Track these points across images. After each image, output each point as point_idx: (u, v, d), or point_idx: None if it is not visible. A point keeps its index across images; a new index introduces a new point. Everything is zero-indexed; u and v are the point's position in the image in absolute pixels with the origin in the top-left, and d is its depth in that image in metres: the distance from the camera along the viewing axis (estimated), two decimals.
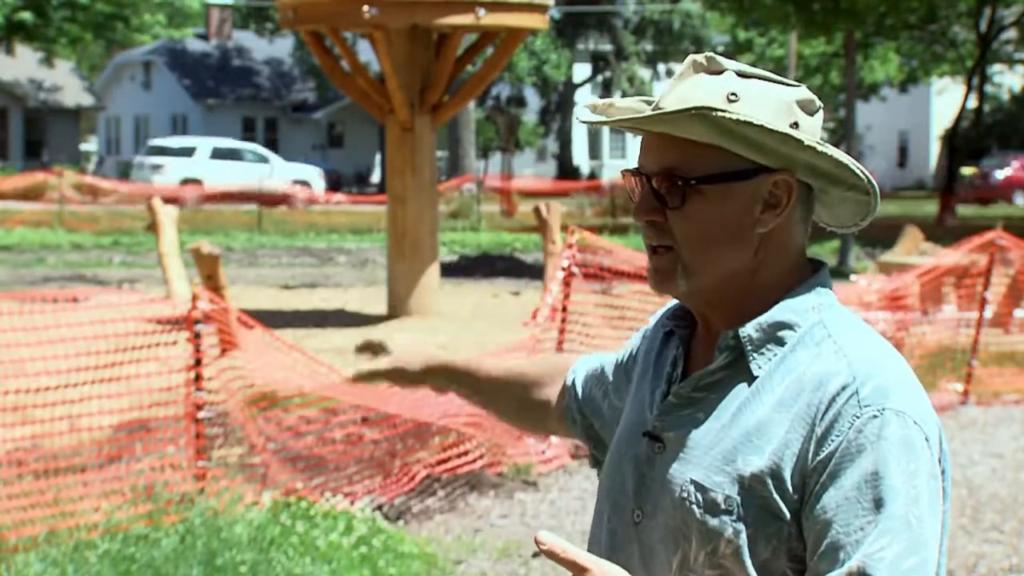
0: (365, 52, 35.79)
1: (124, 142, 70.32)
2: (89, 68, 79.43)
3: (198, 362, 8.35)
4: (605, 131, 70.06)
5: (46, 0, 46.53)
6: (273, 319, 14.83)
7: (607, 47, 63.95)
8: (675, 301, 2.28)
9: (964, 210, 43.65)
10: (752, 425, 2.10)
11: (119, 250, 31.10)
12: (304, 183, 46.41)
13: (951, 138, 42.48)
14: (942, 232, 28.75)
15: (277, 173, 46.32)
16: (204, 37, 69.18)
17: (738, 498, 2.08)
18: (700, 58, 2.16)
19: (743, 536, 2.08)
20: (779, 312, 2.14)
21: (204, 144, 49.13)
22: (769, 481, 2.08)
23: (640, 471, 2.19)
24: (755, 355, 2.13)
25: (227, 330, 9.33)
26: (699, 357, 2.22)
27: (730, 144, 2.10)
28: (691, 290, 2.16)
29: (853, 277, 19.61)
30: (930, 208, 44.65)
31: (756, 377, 2.12)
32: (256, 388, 9.35)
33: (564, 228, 13.72)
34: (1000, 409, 12.45)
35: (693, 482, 2.12)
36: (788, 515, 2.07)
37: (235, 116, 66.71)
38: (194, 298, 8.56)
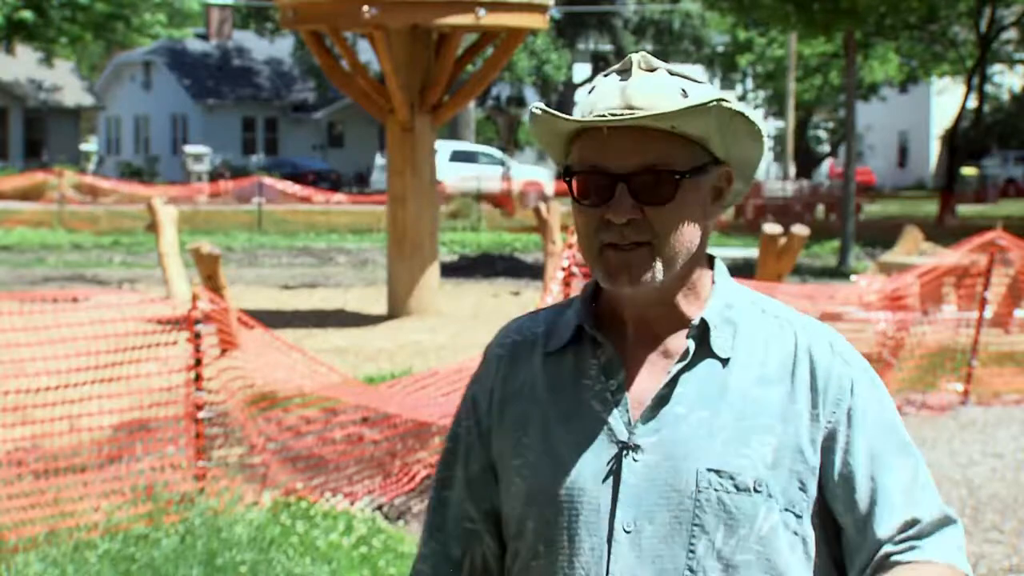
0: (365, 52, 35.78)
1: (124, 142, 70.32)
2: (89, 68, 79.43)
3: (198, 362, 8.35)
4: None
5: (46, 0, 46.52)
6: (273, 319, 14.84)
7: (607, 47, 63.95)
8: (513, 326, 2.30)
9: (964, 210, 43.65)
10: (746, 405, 2.18)
11: (119, 250, 31.10)
12: (535, 183, 47.66)
13: (951, 138, 42.48)
14: (942, 232, 28.75)
15: (513, 174, 47.89)
16: (204, 37, 69.17)
17: (766, 477, 2.16)
18: (640, 58, 2.21)
19: (776, 513, 2.16)
20: (723, 295, 2.24)
21: (444, 147, 50.25)
22: (791, 454, 2.17)
23: (616, 484, 2.16)
24: (718, 339, 2.21)
25: (227, 330, 9.33)
26: (636, 357, 2.22)
27: (713, 136, 2.19)
28: (665, 282, 2.20)
29: (853, 277, 19.61)
30: (930, 208, 44.65)
31: (726, 359, 2.20)
32: (256, 388, 9.35)
33: (564, 228, 13.73)
34: (1000, 409, 12.45)
35: (712, 471, 2.15)
36: (812, 480, 2.18)
37: (235, 116, 66.72)
38: (194, 298, 8.56)
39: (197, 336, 8.33)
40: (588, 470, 2.17)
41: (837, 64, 52.88)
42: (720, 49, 62.58)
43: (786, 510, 2.17)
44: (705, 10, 48.74)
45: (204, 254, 13.13)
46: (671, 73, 2.22)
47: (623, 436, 2.18)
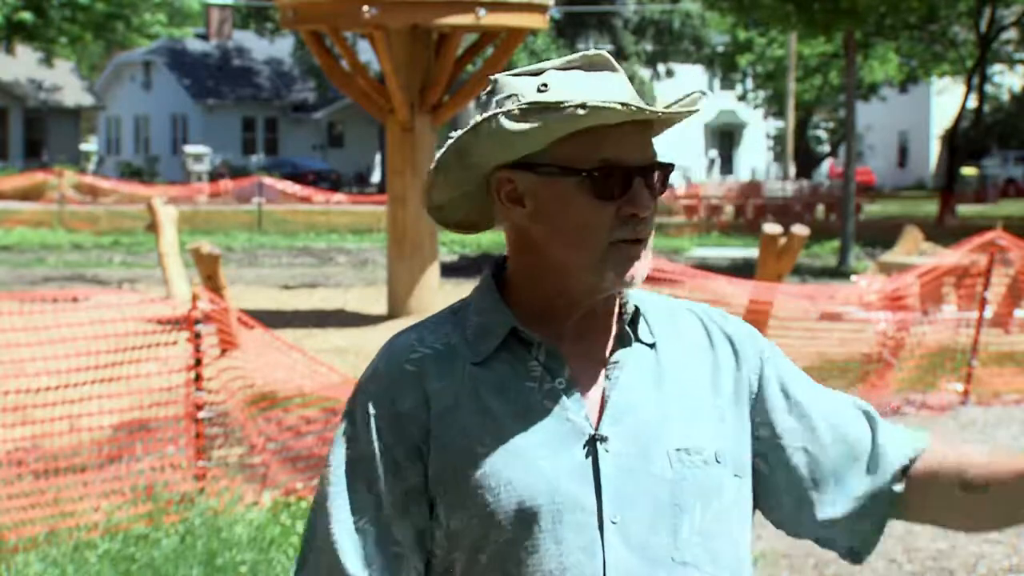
0: (365, 52, 35.78)
1: (124, 142, 70.35)
2: (89, 68, 79.44)
3: (198, 362, 8.35)
4: None
5: (46, 0, 46.53)
6: (273, 319, 14.84)
7: (607, 47, 63.94)
8: (406, 343, 2.22)
9: (964, 210, 43.66)
10: (682, 384, 2.23)
11: (119, 250, 31.11)
12: None
13: (951, 138, 42.48)
14: (942, 232, 28.75)
15: None
16: (204, 37, 69.20)
17: (720, 447, 2.21)
18: (608, 55, 2.22)
19: (730, 480, 2.22)
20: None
21: None
22: (731, 420, 2.24)
23: (595, 476, 2.16)
24: (644, 325, 2.25)
25: (227, 330, 9.34)
26: (573, 351, 2.21)
27: (662, 132, 2.22)
28: None
29: (853, 278, 19.61)
30: (930, 208, 44.66)
31: (652, 344, 2.25)
32: (256, 388, 9.35)
33: None
34: (1000, 409, 12.45)
35: (680, 450, 2.18)
36: (748, 440, 2.26)
37: (235, 116, 66.74)
38: (194, 298, 8.57)
39: (197, 336, 8.34)
40: (564, 469, 2.15)
41: (837, 64, 52.88)
42: (720, 49, 62.57)
43: (736, 475, 2.22)
44: (705, 10, 48.74)
45: (204, 254, 13.13)
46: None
47: (589, 430, 2.17)
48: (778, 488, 2.29)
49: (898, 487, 2.29)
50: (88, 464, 8.39)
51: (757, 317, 12.44)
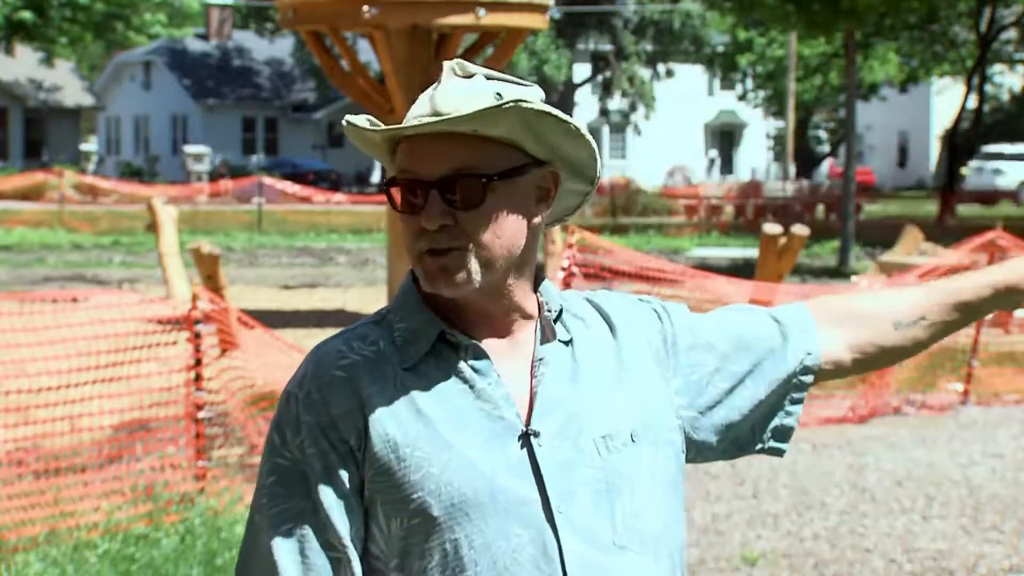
0: (365, 52, 35.81)
1: (124, 142, 70.35)
2: (89, 68, 79.43)
3: (198, 362, 8.35)
4: (605, 132, 70.07)
5: (46, 0, 46.53)
6: (273, 319, 14.84)
7: (607, 47, 63.96)
8: (333, 350, 2.26)
9: (964, 210, 43.66)
10: (597, 374, 2.29)
11: (119, 250, 31.12)
12: None
13: (951, 138, 42.49)
14: (942, 232, 28.75)
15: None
16: (204, 37, 69.19)
17: (640, 426, 2.28)
18: (455, 65, 2.25)
19: (662, 451, 2.29)
20: (547, 287, 2.34)
21: None
22: (649, 396, 2.31)
23: (535, 470, 2.19)
24: (559, 323, 2.31)
25: (227, 330, 9.34)
26: (494, 351, 2.25)
27: (523, 138, 2.22)
28: (485, 285, 2.23)
29: (854, 278, 19.61)
30: (930, 208, 44.67)
31: (569, 340, 2.30)
32: (256, 388, 9.35)
33: (564, 228, 13.71)
34: (1000, 409, 12.45)
35: (604, 437, 2.24)
36: (672, 408, 2.35)
37: (235, 116, 66.74)
38: (194, 298, 8.57)
39: (197, 336, 8.34)
40: (501, 466, 2.19)
41: (837, 64, 52.88)
42: (720, 49, 62.57)
43: (654, 443, 2.29)
44: (706, 10, 48.74)
45: (204, 254, 13.13)
46: (488, 78, 2.26)
47: (521, 426, 2.21)
48: (707, 415, 2.39)
49: (812, 360, 2.44)
50: (88, 464, 8.40)
51: None
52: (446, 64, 2.26)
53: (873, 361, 2.50)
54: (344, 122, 2.25)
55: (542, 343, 2.28)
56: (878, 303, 2.50)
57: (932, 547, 8.00)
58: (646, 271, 12.56)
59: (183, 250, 16.70)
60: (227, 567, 7.12)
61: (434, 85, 2.27)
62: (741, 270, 22.14)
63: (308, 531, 2.20)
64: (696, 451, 2.40)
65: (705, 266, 21.77)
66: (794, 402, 2.45)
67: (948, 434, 11.30)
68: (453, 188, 2.20)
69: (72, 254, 30.24)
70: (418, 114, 2.23)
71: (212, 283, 12.75)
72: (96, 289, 20.51)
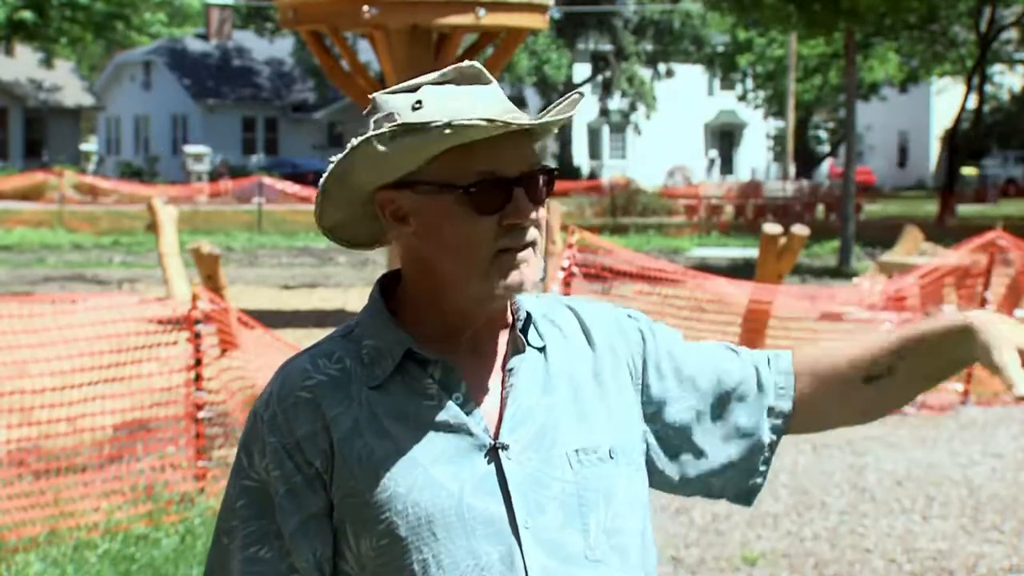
0: (365, 52, 35.80)
1: (124, 142, 70.35)
2: (89, 68, 79.43)
3: (198, 362, 8.35)
4: (605, 131, 70.08)
5: (46, 0, 46.53)
6: (273, 319, 14.84)
7: (607, 47, 63.99)
8: (298, 369, 2.24)
9: (964, 210, 43.66)
10: (571, 384, 2.26)
11: (119, 250, 31.12)
12: None
13: (951, 138, 42.50)
14: (942, 232, 28.76)
15: None
16: (204, 37, 69.20)
17: (615, 441, 2.25)
18: (482, 69, 2.23)
19: (627, 471, 2.26)
20: None
21: None
22: (621, 410, 2.29)
23: (502, 486, 2.17)
24: (533, 330, 2.28)
25: (227, 330, 9.34)
26: (467, 364, 2.22)
27: (545, 138, 2.26)
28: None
29: (855, 280, 19.61)
30: (930, 208, 44.67)
31: (542, 347, 2.27)
32: (256, 388, 9.35)
33: (564, 228, 13.72)
34: (1000, 409, 12.45)
35: (578, 451, 2.21)
36: (640, 425, 2.32)
37: (235, 116, 66.74)
38: (194, 298, 8.57)
39: (197, 336, 8.34)
40: (468, 483, 2.16)
41: (837, 64, 52.88)
42: (720, 49, 62.58)
43: (629, 466, 2.26)
44: (706, 10, 48.75)
45: (204, 254, 13.13)
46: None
47: (488, 440, 2.18)
48: (671, 449, 2.36)
49: (785, 406, 2.39)
50: (88, 464, 8.40)
51: (757, 317, 12.44)
52: (472, 64, 2.22)
53: (840, 418, 2.43)
54: (449, 126, 2.11)
55: (514, 353, 2.24)
56: (853, 352, 2.38)
57: (932, 547, 8.00)
58: (646, 271, 12.56)
59: (183, 250, 16.69)
60: None
61: (470, 87, 2.20)
62: (741, 270, 22.14)
63: (270, 554, 2.20)
64: (652, 478, 2.36)
65: (705, 266, 21.77)
66: (764, 460, 2.42)
67: (948, 434, 11.30)
68: (534, 184, 2.19)
69: (72, 254, 30.24)
70: (495, 112, 2.15)
71: (212, 283, 12.74)
72: (96, 290, 20.52)
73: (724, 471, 2.39)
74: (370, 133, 2.17)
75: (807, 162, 64.67)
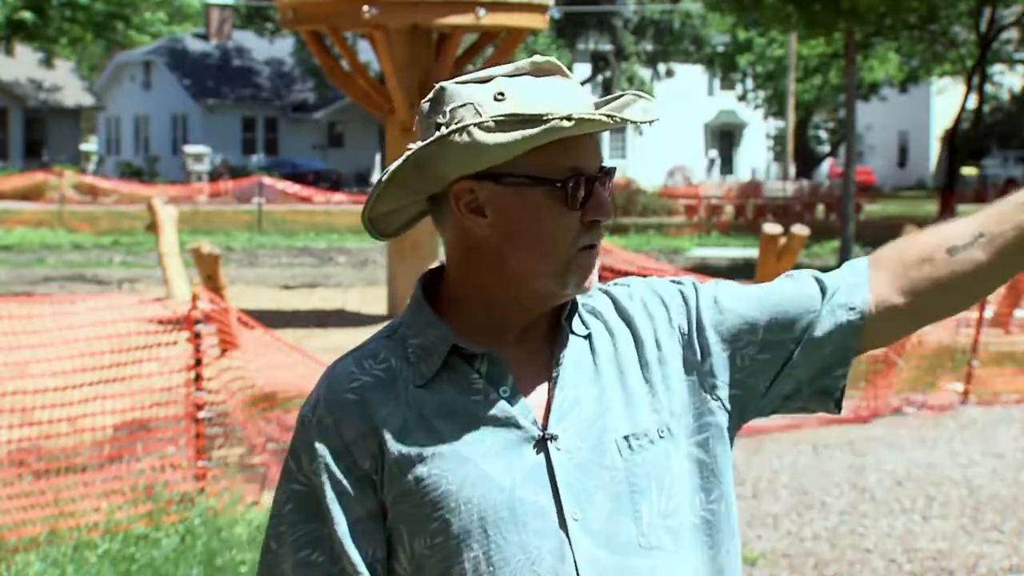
0: (365, 52, 35.79)
1: (124, 142, 70.34)
2: (89, 68, 79.42)
3: (198, 362, 8.35)
4: (605, 131, 70.05)
5: (46, 0, 46.52)
6: (273, 319, 14.84)
7: (607, 47, 63.97)
8: (345, 371, 2.22)
9: (964, 210, 43.66)
10: (617, 369, 2.22)
11: (119, 250, 31.12)
12: None
13: (951, 138, 42.49)
14: None
15: None
16: (204, 37, 69.20)
17: (666, 421, 2.21)
18: (560, 64, 2.21)
19: (683, 449, 2.21)
20: None
21: None
22: (676, 385, 2.23)
23: (550, 477, 2.16)
24: (578, 318, 2.25)
25: (227, 330, 9.34)
26: (514, 357, 2.20)
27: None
28: None
29: None
30: (930, 208, 44.68)
31: (587, 334, 2.24)
32: (256, 388, 9.35)
33: None
34: (1000, 409, 12.45)
35: (628, 437, 2.18)
36: (705, 395, 2.25)
37: (235, 116, 66.73)
38: (194, 298, 8.57)
39: (197, 336, 8.34)
40: (519, 477, 2.15)
41: (837, 64, 52.87)
42: (720, 49, 62.57)
43: (691, 440, 2.22)
44: (706, 11, 48.74)
45: (204, 254, 13.13)
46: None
47: (537, 432, 2.16)
48: (753, 386, 2.28)
49: (855, 299, 2.26)
50: (88, 464, 8.40)
51: None
52: (550, 59, 2.18)
53: (931, 301, 2.25)
54: (567, 120, 2.09)
55: (560, 342, 2.22)
56: (932, 234, 2.26)
57: (932, 547, 8.00)
58: (646, 271, 12.56)
59: (183, 250, 16.70)
60: (227, 567, 7.12)
61: (549, 79, 2.17)
62: (741, 270, 22.14)
63: (322, 557, 2.19)
64: (743, 419, 2.30)
65: (705, 266, 21.79)
66: (840, 362, 2.29)
67: (948, 434, 11.30)
68: (605, 181, 2.19)
69: (72, 254, 30.24)
70: (586, 108, 2.14)
71: (212, 283, 12.74)
72: (95, 293, 20.51)
73: (812, 381, 2.30)
74: (469, 121, 2.11)
75: (807, 162, 64.67)
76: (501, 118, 2.09)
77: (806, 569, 7.63)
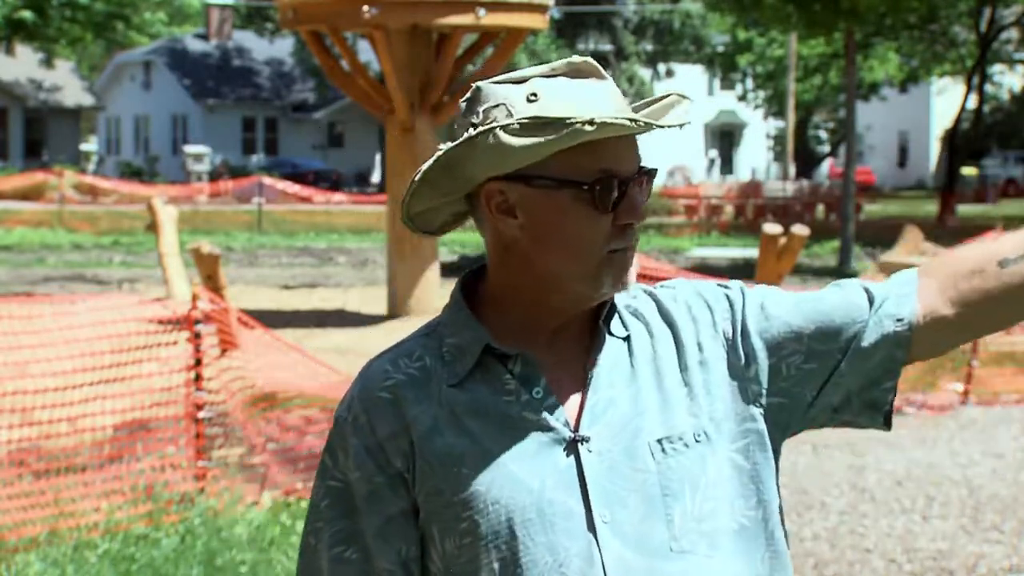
0: (365, 52, 35.79)
1: (124, 142, 70.36)
2: (89, 68, 79.42)
3: (198, 362, 8.35)
4: None
5: (46, 0, 46.53)
6: (273, 319, 14.84)
7: (607, 47, 63.97)
8: (379, 370, 2.22)
9: (964, 210, 43.66)
10: (655, 371, 2.20)
11: (119, 250, 31.13)
12: None
13: (951, 138, 42.50)
14: (942, 232, 28.75)
15: None
16: (204, 37, 69.21)
17: (703, 425, 2.18)
18: (596, 65, 2.20)
19: (721, 453, 2.19)
20: None
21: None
22: (717, 391, 2.21)
23: (581, 479, 2.15)
24: (616, 320, 2.23)
25: (227, 330, 9.34)
26: (548, 358, 2.20)
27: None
28: None
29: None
30: (930, 208, 44.67)
31: (626, 336, 2.22)
32: (256, 388, 9.35)
33: None
34: (1000, 409, 12.45)
35: (662, 440, 2.16)
36: (748, 399, 2.22)
37: (235, 116, 66.74)
38: (194, 298, 8.57)
39: (197, 336, 8.34)
40: (548, 479, 2.14)
41: (837, 64, 52.88)
42: (720, 49, 62.58)
43: (732, 445, 2.20)
44: (706, 11, 48.75)
45: (204, 254, 13.13)
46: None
47: (568, 433, 2.16)
48: (799, 396, 2.24)
49: (903, 311, 2.22)
50: (88, 464, 8.40)
51: None
52: (588, 60, 2.18)
53: (980, 313, 2.21)
54: (589, 124, 2.08)
55: (597, 343, 2.21)
56: (982, 246, 2.23)
57: (932, 547, 8.00)
58: (646, 271, 12.55)
59: (183, 250, 16.70)
60: (227, 567, 7.12)
61: (585, 81, 2.17)
62: (741, 270, 22.15)
63: (356, 555, 2.20)
64: (788, 429, 2.27)
65: (705, 266, 21.80)
66: (888, 374, 2.24)
67: (948, 434, 11.30)
68: (641, 184, 2.18)
69: (72, 254, 30.24)
70: (615, 110, 2.14)
71: (212, 283, 12.74)
72: (95, 290, 20.52)
73: (861, 392, 2.25)
74: (495, 124, 2.11)
75: (807, 162, 64.67)
76: (526, 121, 2.09)
77: (806, 569, 7.63)
